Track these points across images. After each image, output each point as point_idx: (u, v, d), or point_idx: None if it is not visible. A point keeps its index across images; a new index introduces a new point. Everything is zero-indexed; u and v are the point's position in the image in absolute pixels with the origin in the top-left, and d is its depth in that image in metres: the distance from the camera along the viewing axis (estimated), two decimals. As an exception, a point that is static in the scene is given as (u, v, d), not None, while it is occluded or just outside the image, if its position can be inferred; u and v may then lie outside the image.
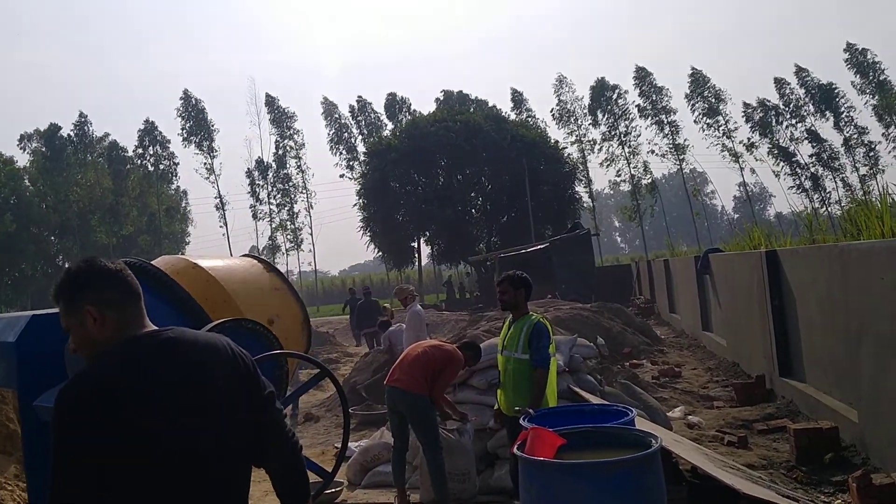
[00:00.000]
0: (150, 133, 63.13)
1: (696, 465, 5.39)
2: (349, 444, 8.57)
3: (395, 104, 65.56)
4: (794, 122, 59.03)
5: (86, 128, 62.01)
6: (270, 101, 64.36)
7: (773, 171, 58.61)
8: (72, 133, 61.14)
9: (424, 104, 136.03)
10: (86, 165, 59.92)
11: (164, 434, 2.07)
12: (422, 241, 50.88)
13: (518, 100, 65.28)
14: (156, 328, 2.27)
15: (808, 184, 58.10)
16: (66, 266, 2.30)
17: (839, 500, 5.84)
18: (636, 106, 60.30)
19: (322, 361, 4.07)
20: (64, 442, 2.02)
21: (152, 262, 4.13)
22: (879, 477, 5.41)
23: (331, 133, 65.19)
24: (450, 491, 6.62)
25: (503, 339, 6.05)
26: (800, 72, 59.39)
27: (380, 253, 51.77)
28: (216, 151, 62.07)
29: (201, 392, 2.19)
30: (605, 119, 60.84)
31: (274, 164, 62.95)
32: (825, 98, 57.78)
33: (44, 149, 60.23)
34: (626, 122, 60.49)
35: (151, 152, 63.22)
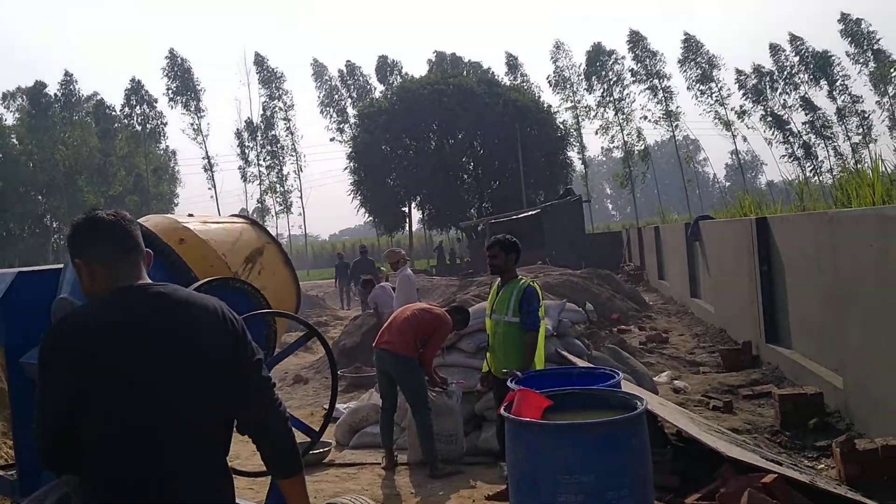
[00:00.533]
0: (136, 92, 62.14)
1: (681, 428, 5.44)
2: (338, 405, 8.63)
3: (385, 67, 64.92)
4: (788, 89, 58.85)
5: (72, 86, 61.19)
6: (260, 61, 63.56)
7: (766, 139, 58.58)
8: (58, 91, 60.37)
9: (417, 66, 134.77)
10: (72, 124, 59.16)
11: (137, 378, 2.14)
12: (412, 205, 50.73)
13: (513, 64, 64.85)
14: (150, 282, 2.30)
15: (800, 152, 58.09)
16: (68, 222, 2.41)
17: (822, 465, 5.90)
18: (630, 71, 59.97)
19: (311, 324, 4.07)
20: (44, 375, 2.15)
21: (138, 221, 4.09)
22: (863, 442, 5.47)
23: (321, 96, 64.70)
24: (437, 452, 6.67)
25: (492, 303, 6.07)
26: (794, 40, 59.06)
27: (370, 217, 51.61)
28: (203, 112, 61.37)
29: (184, 346, 2.22)
30: (600, 85, 60.52)
31: (262, 126, 62.30)
32: (820, 66, 57.50)
33: (29, 107, 59.50)
34: (621, 89, 60.19)
35: (139, 111, 62.40)
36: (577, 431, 3.57)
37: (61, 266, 4.32)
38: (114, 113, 62.56)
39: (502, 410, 3.87)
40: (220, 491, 2.30)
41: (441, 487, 6.29)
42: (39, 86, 59.85)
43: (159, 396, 2.16)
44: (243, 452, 7.73)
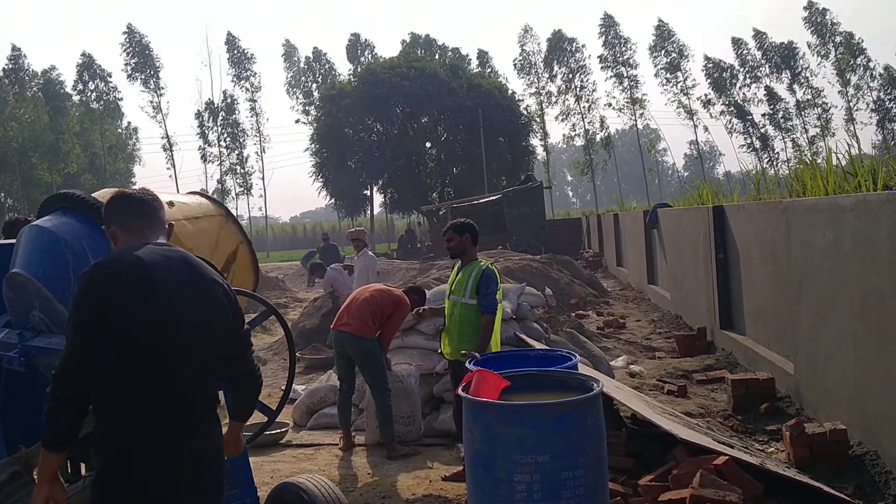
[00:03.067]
0: (88, 67, 60.83)
1: (636, 410, 5.51)
2: (296, 386, 8.59)
3: (357, 46, 64.44)
4: (748, 82, 59.62)
5: (20, 61, 59.67)
6: (231, 41, 62.63)
7: (727, 129, 59.34)
8: (6, 66, 58.85)
9: (391, 47, 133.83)
10: (24, 101, 57.69)
11: (168, 317, 2.47)
12: (375, 189, 50.53)
13: (484, 60, 64.92)
14: (165, 243, 2.69)
15: (758, 144, 58.97)
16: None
17: (773, 448, 6.03)
18: (599, 57, 60.28)
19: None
20: (77, 305, 2.46)
21: (92, 195, 4.02)
22: (812, 426, 5.59)
23: (289, 77, 64.15)
24: (395, 433, 6.69)
25: (451, 285, 6.08)
26: (758, 35, 59.75)
27: (332, 200, 51.32)
28: (163, 90, 60.40)
29: (206, 299, 2.59)
30: (561, 72, 60.70)
31: (223, 109, 61.44)
32: (784, 57, 58.22)
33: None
34: (583, 77, 60.45)
35: (92, 87, 61.08)
36: (533, 412, 3.59)
37: (13, 241, 4.23)
38: (64, 90, 61.10)
39: (460, 391, 3.88)
40: (218, 436, 2.70)
41: (398, 468, 6.31)
42: (-12, 61, 58.23)
43: (183, 341, 2.49)
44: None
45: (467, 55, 65.46)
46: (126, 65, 59.33)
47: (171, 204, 4.07)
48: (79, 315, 2.45)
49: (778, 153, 59.15)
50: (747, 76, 59.68)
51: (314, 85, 63.37)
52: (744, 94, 59.64)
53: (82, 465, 4.98)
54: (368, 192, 51.18)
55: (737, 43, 60.33)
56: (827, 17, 57.52)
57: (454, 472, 5.87)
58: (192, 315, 2.52)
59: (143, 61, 59.43)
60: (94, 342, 2.42)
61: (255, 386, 2.92)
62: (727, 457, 4.60)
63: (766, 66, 59.38)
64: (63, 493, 2.62)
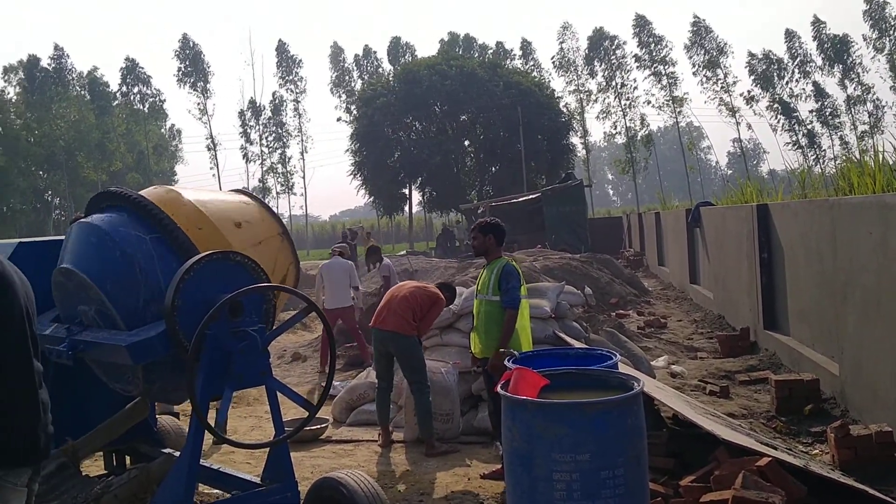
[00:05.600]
0: (132, 71, 62.43)
1: (677, 410, 5.46)
2: (335, 383, 8.67)
3: (398, 48, 65.08)
4: (798, 76, 58.53)
5: (63, 61, 61.05)
6: (281, 46, 63.74)
7: (771, 126, 58.38)
8: (49, 66, 60.21)
9: (430, 48, 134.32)
10: (68, 100, 59.02)
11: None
12: (413, 187, 50.67)
13: (527, 51, 64.74)
14: None
15: (804, 141, 57.92)
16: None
17: (817, 450, 5.93)
18: (634, 56, 59.72)
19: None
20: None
21: (138, 192, 4.09)
22: (857, 428, 5.49)
23: (333, 77, 64.89)
24: (434, 430, 6.71)
25: (477, 284, 6.13)
26: (816, 23, 58.46)
27: (370, 198, 51.59)
28: (210, 93, 61.74)
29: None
30: (602, 69, 60.30)
31: (269, 110, 62.56)
32: (837, 51, 57.01)
33: (25, 82, 59.38)
34: (623, 74, 59.97)
35: (136, 91, 62.65)
36: (573, 410, 3.57)
37: (62, 238, 4.33)
38: (109, 90, 62.56)
39: (499, 388, 3.88)
40: None
41: (436, 465, 6.32)
42: (33, 60, 59.65)
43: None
44: (241, 427, 7.79)
45: (511, 50, 65.51)
46: (178, 69, 60.77)
47: (238, 225, 4.13)
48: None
49: (825, 151, 58.05)
50: (796, 70, 58.57)
51: (359, 83, 63.91)
52: (790, 89, 58.64)
53: (127, 458, 5.09)
54: (407, 191, 51.34)
55: (789, 35, 59.22)
56: (887, 11, 56.14)
57: (493, 471, 5.88)
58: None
59: (194, 67, 60.89)
60: None
61: None
62: (770, 458, 4.53)
63: (819, 58, 58.20)
64: None
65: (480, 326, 5.99)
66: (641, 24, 59.88)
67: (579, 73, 60.96)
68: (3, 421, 2.86)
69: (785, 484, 4.34)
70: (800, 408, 6.91)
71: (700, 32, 59.30)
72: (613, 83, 59.83)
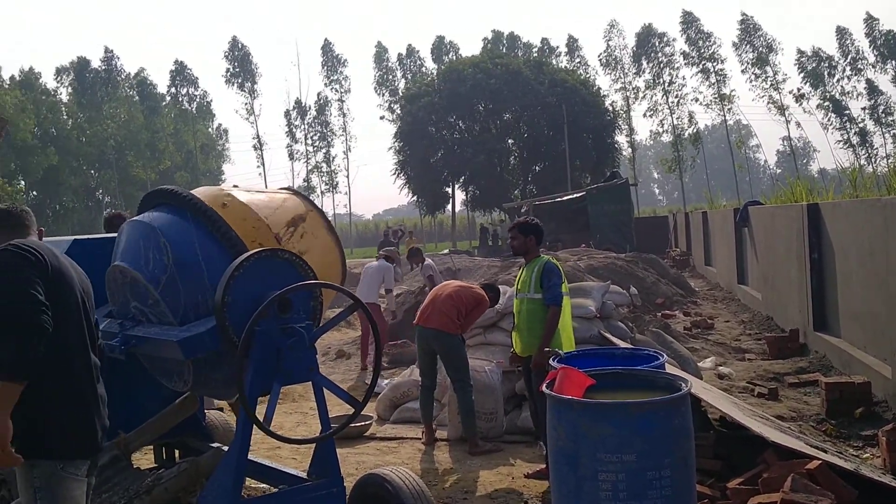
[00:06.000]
0: (181, 73, 63.78)
1: (725, 412, 5.40)
2: (379, 381, 8.71)
3: (441, 47, 65.33)
4: (849, 74, 57.29)
5: (113, 62, 62.46)
6: (326, 46, 64.50)
7: (822, 124, 57.25)
8: (99, 68, 61.65)
9: (474, 46, 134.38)
10: (117, 100, 60.39)
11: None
12: (456, 186, 50.70)
13: (573, 47, 64.48)
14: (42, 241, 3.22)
15: (855, 139, 56.67)
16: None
17: (868, 454, 5.82)
18: (682, 53, 59.05)
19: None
20: (15, 272, 2.85)
21: (188, 191, 4.17)
22: (910, 432, 5.37)
23: (377, 76, 65.34)
24: (477, 429, 6.72)
25: (517, 283, 6.10)
26: (869, 20, 57.22)
27: (413, 197, 51.74)
28: (257, 93, 62.79)
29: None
30: (649, 67, 59.73)
31: (314, 110, 63.36)
32: (891, 48, 55.68)
33: (76, 83, 60.88)
34: (671, 72, 59.31)
35: (184, 92, 64.01)
36: (619, 410, 3.55)
37: (115, 235, 4.42)
38: (157, 91, 63.99)
39: (544, 387, 3.87)
40: None
41: (480, 464, 6.33)
42: (83, 62, 61.11)
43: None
44: (287, 423, 7.88)
45: (556, 47, 65.34)
46: (227, 70, 61.97)
47: (287, 224, 4.20)
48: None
49: (877, 149, 56.74)
50: (847, 68, 57.33)
51: (402, 82, 64.25)
52: (841, 87, 57.41)
53: (176, 451, 5.18)
54: (450, 190, 51.38)
55: (841, 32, 58.01)
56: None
57: (537, 470, 5.87)
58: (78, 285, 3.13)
59: (242, 68, 62.04)
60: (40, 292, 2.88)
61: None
62: (820, 461, 4.46)
63: (872, 55, 56.91)
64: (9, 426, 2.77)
65: (522, 325, 5.97)
66: (689, 21, 59.16)
67: (626, 70, 60.49)
68: (64, 413, 2.93)
69: (835, 487, 4.26)
70: (850, 411, 6.78)
71: (748, 30, 58.40)
72: (661, 80, 59.21)
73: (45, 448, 2.92)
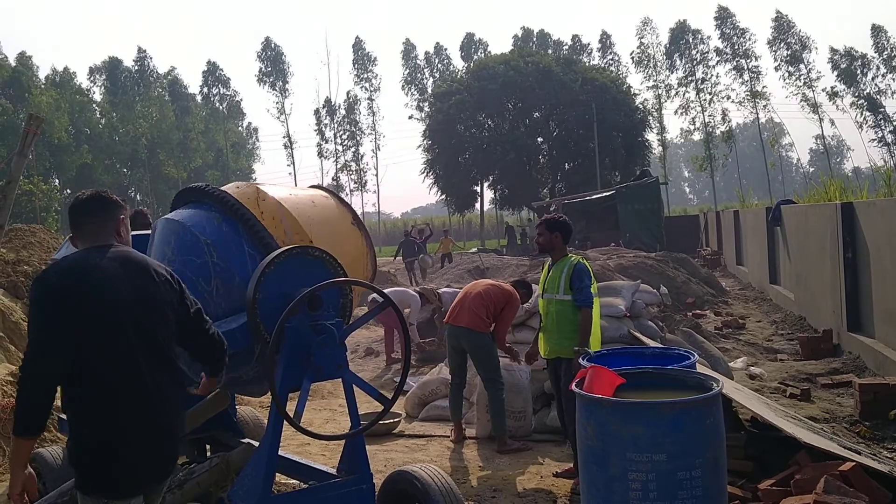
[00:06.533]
0: (213, 73, 64.59)
1: (756, 412, 5.34)
2: (407, 380, 8.73)
3: (471, 44, 65.44)
4: (885, 71, 56.40)
5: (146, 62, 63.25)
6: (357, 43, 64.96)
7: (856, 122, 56.45)
8: (132, 68, 62.48)
9: (504, 44, 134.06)
10: (149, 100, 61.16)
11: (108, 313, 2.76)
12: (485, 185, 50.65)
13: (606, 43, 64.28)
14: (111, 243, 2.92)
15: (890, 137, 55.78)
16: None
17: (903, 457, 5.73)
18: (715, 49, 58.59)
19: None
20: (37, 312, 2.73)
21: (220, 188, 4.21)
22: (947, 435, 5.28)
23: (405, 74, 65.57)
24: (506, 427, 6.71)
25: (543, 283, 6.01)
26: None
27: (442, 196, 51.78)
28: (288, 92, 63.33)
29: (137, 286, 2.85)
30: (682, 64, 59.30)
31: (343, 108, 63.79)
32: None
33: (108, 83, 61.76)
34: (705, 69, 58.84)
35: (215, 92, 64.79)
36: (649, 410, 3.54)
37: (148, 232, 4.47)
38: (187, 91, 64.85)
39: (574, 386, 3.85)
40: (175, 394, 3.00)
41: (509, 462, 6.33)
42: (114, 61, 62.00)
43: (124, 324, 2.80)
44: (316, 420, 7.93)
45: (588, 44, 65.24)
46: (259, 70, 62.77)
47: (317, 221, 4.24)
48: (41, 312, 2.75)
49: (913, 147, 55.82)
50: (882, 65, 56.44)
51: (430, 80, 64.37)
52: (876, 85, 56.55)
53: (207, 447, 5.24)
54: (479, 188, 51.34)
55: (876, 30, 57.14)
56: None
57: (565, 469, 5.84)
58: (130, 303, 2.80)
59: (273, 68, 62.70)
60: (57, 334, 2.68)
61: (216, 352, 3.27)
62: (854, 463, 4.40)
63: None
64: (33, 478, 2.74)
65: (552, 326, 5.88)
66: (724, 17, 58.66)
67: (658, 67, 60.10)
68: (101, 449, 2.82)
69: (869, 490, 4.21)
70: (885, 412, 6.66)
71: (782, 27, 57.75)
72: (694, 77, 58.76)
73: (82, 481, 2.80)
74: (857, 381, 7.21)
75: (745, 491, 4.68)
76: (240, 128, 69.83)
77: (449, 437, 7.11)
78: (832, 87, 57.04)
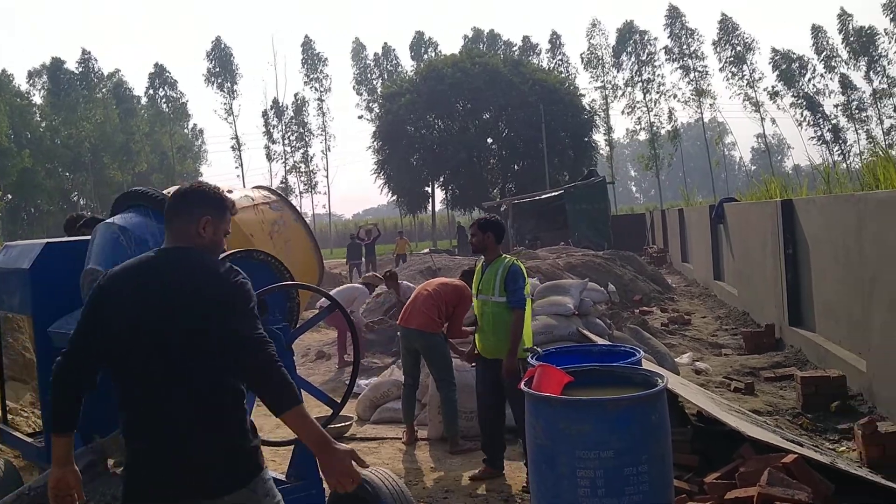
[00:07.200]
0: (159, 75, 63.49)
1: (702, 407, 5.43)
2: (359, 381, 8.69)
3: (421, 43, 65.36)
4: (823, 72, 57.92)
5: (90, 64, 61.93)
6: (307, 43, 64.38)
7: (796, 121, 57.87)
8: (76, 69, 61.12)
9: (454, 43, 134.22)
10: (93, 102, 59.87)
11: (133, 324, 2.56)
12: (436, 186, 50.73)
13: (555, 44, 64.86)
14: (171, 247, 2.67)
15: (829, 135, 57.31)
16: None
17: (844, 448, 5.88)
18: (664, 48, 59.68)
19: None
20: (82, 312, 2.68)
21: (162, 192, 4.13)
22: (885, 425, 5.44)
23: (355, 74, 65.34)
24: (459, 428, 6.72)
25: (477, 283, 5.99)
26: (843, 15, 57.78)
27: (393, 197, 51.70)
28: (237, 93, 62.68)
29: (168, 304, 2.56)
30: (629, 64, 60.22)
31: (291, 110, 63.24)
32: (863, 44, 56.27)
33: (50, 84, 60.31)
34: (651, 69, 59.81)
35: (162, 94, 63.69)
36: (596, 407, 3.58)
37: (89, 237, 4.37)
38: (131, 93, 63.68)
39: (523, 385, 3.87)
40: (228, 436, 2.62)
41: (461, 463, 6.34)
42: (57, 62, 60.52)
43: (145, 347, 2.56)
44: (265, 425, 7.84)
45: (537, 44, 65.75)
46: (207, 70, 61.96)
47: (262, 224, 4.17)
48: (81, 319, 2.67)
49: (851, 145, 57.42)
50: (821, 65, 58.01)
51: (379, 81, 64.22)
52: (814, 85, 58.08)
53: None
54: (430, 189, 51.39)
55: (815, 30, 58.64)
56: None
57: (481, 470, 5.91)
58: (152, 311, 2.56)
59: (222, 68, 61.92)
60: (86, 336, 2.63)
61: (269, 382, 2.59)
62: (796, 455, 4.50)
63: (845, 51, 57.56)
64: (77, 477, 2.69)
65: (487, 327, 5.85)
66: (674, 17, 59.75)
67: (606, 68, 60.90)
68: (127, 458, 2.73)
69: (811, 481, 4.30)
70: (826, 405, 6.85)
71: (728, 29, 59.05)
72: (641, 78, 59.68)
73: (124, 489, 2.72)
74: (799, 374, 7.38)
75: (691, 485, 4.76)
76: (186, 130, 68.70)
77: (401, 439, 7.10)
78: (773, 87, 58.41)
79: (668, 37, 59.94)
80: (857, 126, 57.35)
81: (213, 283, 2.61)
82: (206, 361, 2.56)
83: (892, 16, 55.41)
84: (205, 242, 2.70)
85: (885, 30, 56.28)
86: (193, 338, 2.55)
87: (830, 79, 57.95)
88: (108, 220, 4.18)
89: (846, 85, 57.40)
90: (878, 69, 56.40)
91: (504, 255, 5.96)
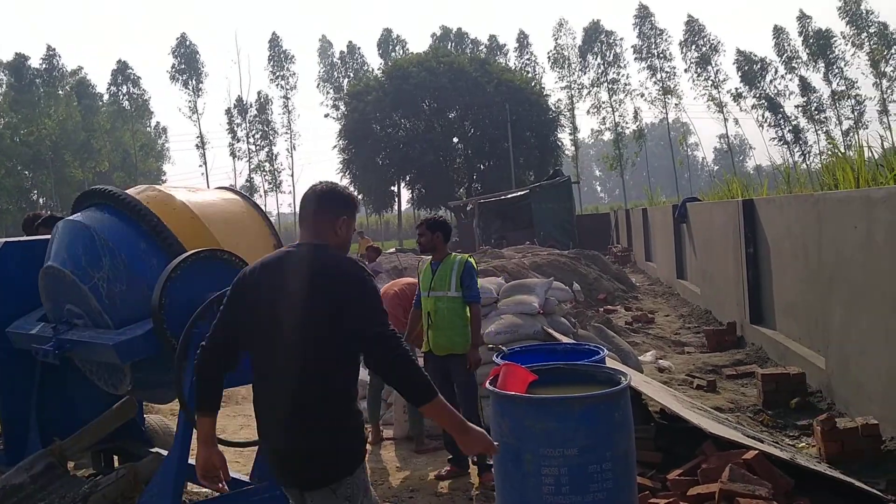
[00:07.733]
0: (122, 72, 62.63)
1: (665, 405, 5.49)
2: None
3: (389, 41, 65.18)
4: (784, 73, 58.89)
5: (54, 61, 60.88)
6: (274, 40, 63.84)
7: (757, 122, 58.78)
8: (40, 66, 60.05)
9: (423, 41, 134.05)
10: (56, 99, 58.84)
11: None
12: (402, 185, 50.69)
13: (523, 43, 65.07)
14: (307, 243, 2.82)
15: (789, 136, 58.26)
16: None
17: (804, 443, 5.97)
18: (633, 47, 60.23)
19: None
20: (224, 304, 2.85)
21: (124, 191, 4.08)
22: (844, 421, 5.53)
23: (321, 72, 65.00)
24: (424, 427, 6.72)
25: (428, 282, 6.04)
26: (802, 17, 58.76)
27: (359, 196, 51.56)
28: (202, 91, 62.02)
29: (287, 298, 2.70)
30: (595, 64, 60.67)
31: (257, 107, 62.72)
32: (821, 46, 57.33)
33: (12, 80, 59.15)
34: (617, 70, 60.34)
35: (124, 91, 62.84)
36: (561, 405, 3.59)
37: (47, 237, 4.30)
38: (94, 90, 62.71)
39: (488, 384, 3.89)
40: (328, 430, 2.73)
41: (426, 462, 6.33)
42: (20, 59, 59.37)
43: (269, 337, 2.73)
44: (230, 426, 7.78)
45: (504, 44, 66.01)
46: (172, 66, 61.13)
47: (225, 223, 4.13)
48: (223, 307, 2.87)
49: (811, 146, 58.45)
50: (783, 66, 58.94)
51: (345, 80, 63.96)
52: (775, 86, 59.01)
53: (115, 457, 5.06)
54: (396, 188, 51.33)
55: (777, 31, 59.57)
56: (862, 7, 56.46)
57: (448, 469, 5.92)
58: (274, 305, 2.72)
59: (188, 66, 61.20)
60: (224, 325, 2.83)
61: (408, 377, 2.81)
62: (757, 451, 4.57)
63: (804, 53, 58.56)
64: (222, 457, 2.84)
65: (442, 323, 5.88)
66: (644, 16, 60.32)
67: (572, 68, 61.25)
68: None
69: (772, 477, 4.37)
70: (786, 401, 6.95)
71: (694, 31, 59.77)
72: (606, 78, 60.16)
73: None
74: (760, 371, 7.48)
75: (654, 482, 4.80)
76: (148, 128, 67.79)
77: (367, 439, 7.07)
78: (736, 89, 59.26)
79: (637, 36, 60.52)
80: (816, 127, 58.41)
81: (346, 280, 2.71)
82: (328, 355, 2.69)
83: (847, 19, 56.58)
84: (339, 241, 2.86)
85: (841, 33, 57.51)
86: (320, 330, 2.66)
87: (791, 80, 58.99)
88: (69, 218, 4.12)
89: (806, 86, 58.42)
90: (836, 71, 57.51)
91: (452, 252, 6.14)
